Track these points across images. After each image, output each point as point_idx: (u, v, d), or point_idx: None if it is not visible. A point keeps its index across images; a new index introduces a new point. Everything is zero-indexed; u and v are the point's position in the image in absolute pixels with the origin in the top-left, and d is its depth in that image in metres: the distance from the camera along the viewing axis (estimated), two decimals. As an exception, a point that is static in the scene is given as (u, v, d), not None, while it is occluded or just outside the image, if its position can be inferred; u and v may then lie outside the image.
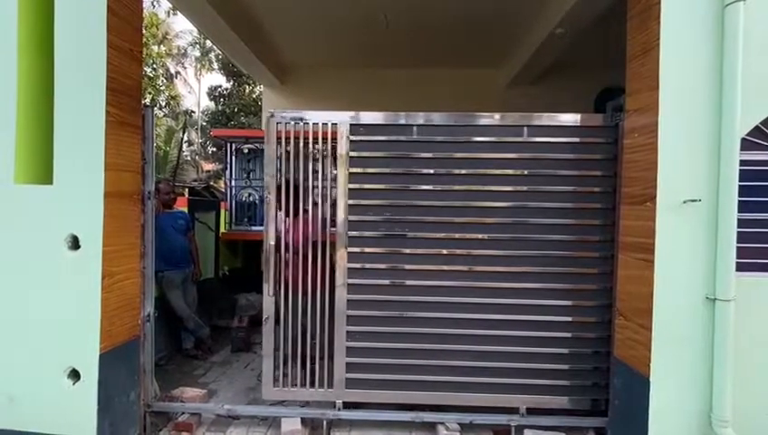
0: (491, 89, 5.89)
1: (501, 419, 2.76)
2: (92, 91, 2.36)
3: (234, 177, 5.49)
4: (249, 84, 21.14)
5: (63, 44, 2.36)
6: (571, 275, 2.76)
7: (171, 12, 17.82)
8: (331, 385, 2.79)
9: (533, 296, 2.77)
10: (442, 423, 2.75)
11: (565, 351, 2.77)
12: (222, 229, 5.37)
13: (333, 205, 2.81)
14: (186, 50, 24.63)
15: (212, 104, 22.35)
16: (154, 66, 16.72)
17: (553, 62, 4.93)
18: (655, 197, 2.26)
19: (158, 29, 17.48)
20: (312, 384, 2.79)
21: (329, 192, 2.85)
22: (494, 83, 6.00)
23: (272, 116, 2.83)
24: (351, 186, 2.80)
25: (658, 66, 2.24)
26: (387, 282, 2.80)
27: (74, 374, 2.37)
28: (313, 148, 2.83)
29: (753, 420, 2.25)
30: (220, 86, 21.61)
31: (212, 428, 2.85)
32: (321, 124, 2.81)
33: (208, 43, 24.66)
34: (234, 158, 5.49)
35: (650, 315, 2.26)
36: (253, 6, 4.61)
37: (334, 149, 2.80)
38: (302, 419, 2.76)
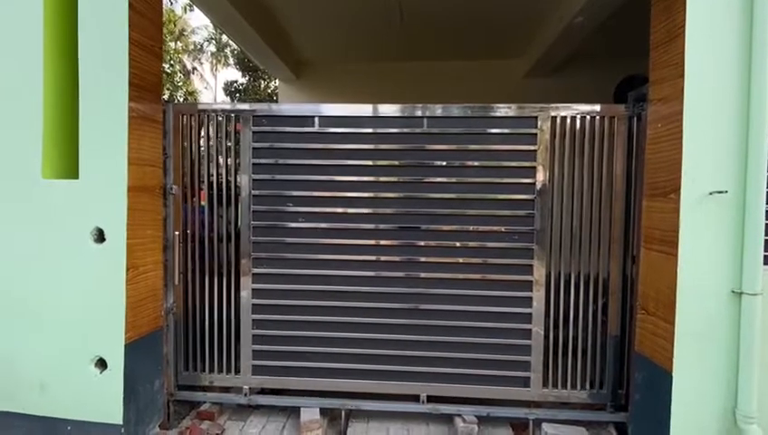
0: (508, 80, 5.81)
1: (519, 412, 2.76)
2: (115, 87, 2.40)
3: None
4: (264, 79, 21.27)
5: (87, 42, 2.43)
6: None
7: (188, 8, 18.02)
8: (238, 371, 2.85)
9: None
10: (459, 415, 2.75)
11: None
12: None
13: (237, 197, 2.85)
14: (202, 46, 24.91)
15: (228, 99, 22.56)
16: (171, 63, 16.96)
17: (572, 53, 4.83)
18: (679, 188, 2.21)
19: (175, 25, 17.71)
20: (221, 370, 2.87)
21: (233, 183, 2.86)
22: (512, 74, 5.91)
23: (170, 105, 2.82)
24: (255, 176, 2.83)
25: (684, 54, 2.18)
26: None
27: (101, 363, 2.45)
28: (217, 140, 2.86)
29: (781, 416, 2.20)
30: (236, 81, 21.78)
31: (233, 416, 2.91)
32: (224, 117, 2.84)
33: (224, 38, 24.89)
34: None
35: (673, 309, 2.22)
36: (269, 0, 4.63)
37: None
38: (320, 409, 2.80)
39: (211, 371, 2.88)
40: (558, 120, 2.70)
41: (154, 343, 2.70)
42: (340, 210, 2.82)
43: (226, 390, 2.98)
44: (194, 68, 23.81)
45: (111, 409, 2.43)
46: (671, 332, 2.23)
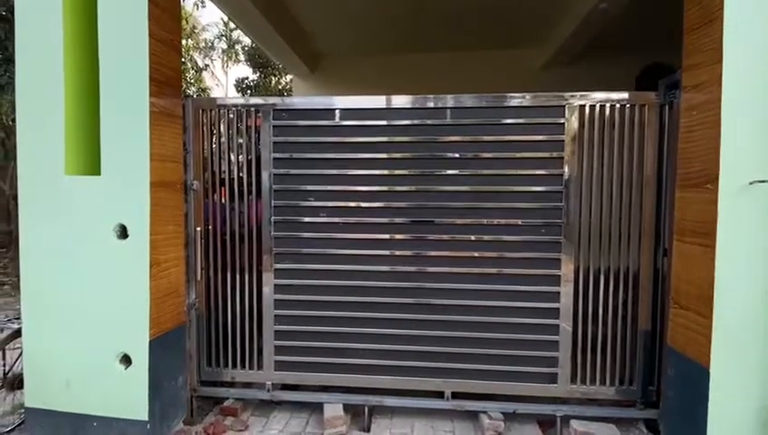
0: (525, 71, 5.69)
1: (546, 408, 2.70)
2: (136, 82, 2.38)
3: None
4: (275, 75, 21.30)
5: (106, 37, 2.42)
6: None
7: (199, 4, 18.06)
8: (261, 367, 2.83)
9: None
10: (484, 412, 2.71)
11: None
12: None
13: (259, 192, 2.81)
14: (213, 43, 25.00)
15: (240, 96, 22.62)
16: (183, 59, 17.05)
17: (591, 42, 4.70)
18: (716, 178, 2.12)
19: (186, 22, 17.79)
20: (243, 366, 2.84)
21: (254, 178, 2.82)
22: (529, 65, 5.79)
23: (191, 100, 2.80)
24: (276, 171, 2.79)
25: (722, 37, 2.09)
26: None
27: (126, 359, 2.45)
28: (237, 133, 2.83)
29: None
30: (247, 78, 21.84)
31: (256, 412, 2.91)
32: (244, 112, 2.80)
33: (234, 35, 24.94)
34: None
35: (711, 303, 2.13)
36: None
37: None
38: (343, 405, 2.78)
39: (234, 366, 2.87)
40: (587, 109, 2.62)
41: (177, 338, 2.70)
42: (365, 205, 2.78)
43: (249, 385, 2.97)
44: (206, 65, 23.91)
45: (136, 405, 2.43)
46: (708, 326, 2.15)
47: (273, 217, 2.82)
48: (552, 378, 2.70)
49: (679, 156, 2.41)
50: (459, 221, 2.73)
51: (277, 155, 2.81)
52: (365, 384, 2.82)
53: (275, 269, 2.83)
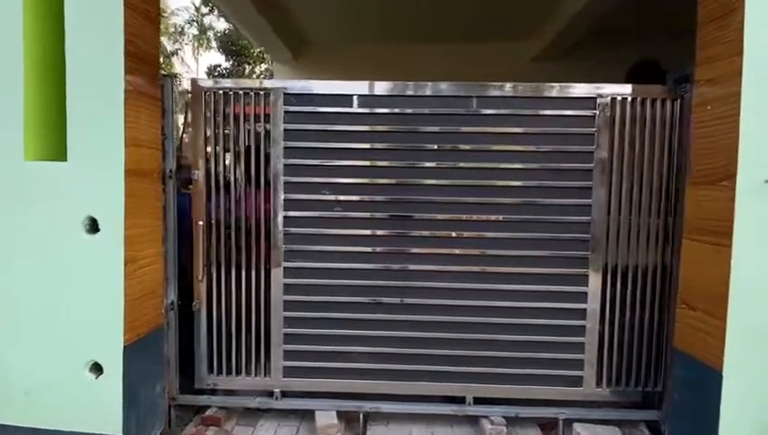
0: (518, 62, 5.59)
1: (548, 412, 2.61)
2: (109, 56, 2.11)
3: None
4: (249, 63, 20.70)
5: (74, 3, 2.13)
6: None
7: (168, -13, 17.24)
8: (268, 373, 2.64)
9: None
10: (486, 417, 2.59)
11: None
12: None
13: (268, 183, 2.60)
14: (183, 28, 24.03)
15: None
16: (152, 44, 16.26)
17: (584, 36, 4.63)
18: (733, 175, 2.04)
19: (155, 5, 16.94)
20: (249, 372, 2.64)
21: (262, 168, 2.62)
22: (522, 56, 5.69)
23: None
24: (287, 161, 2.59)
25: (743, 29, 2.00)
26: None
27: (96, 368, 2.19)
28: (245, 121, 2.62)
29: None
30: (219, 65, 21.14)
31: (241, 421, 2.70)
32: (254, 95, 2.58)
33: (206, 20, 24.03)
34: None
35: (725, 305, 2.07)
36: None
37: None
38: (336, 412, 2.60)
39: (238, 373, 2.65)
40: (618, 102, 2.53)
41: (155, 343, 2.46)
42: (383, 198, 2.62)
43: (232, 392, 2.75)
44: (176, 50, 22.97)
45: (110, 417, 2.18)
46: (721, 328, 2.09)
47: (284, 213, 2.61)
48: (578, 380, 2.61)
49: (692, 152, 2.34)
50: (484, 217, 2.61)
51: (288, 144, 2.59)
52: (386, 390, 2.65)
53: (285, 268, 2.62)
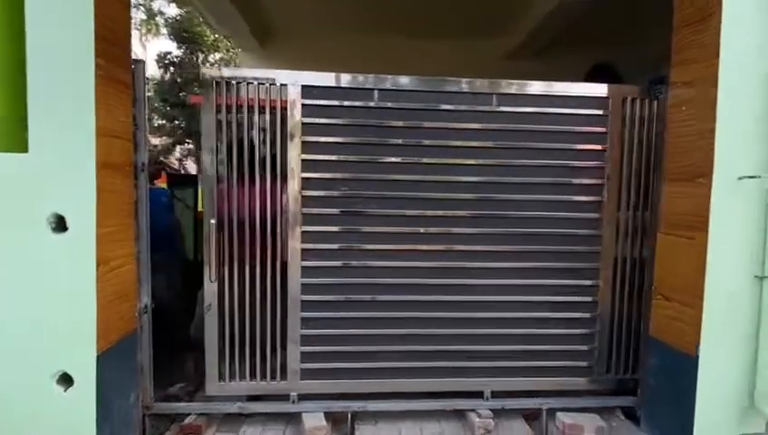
0: (489, 61, 5.66)
1: (532, 402, 2.68)
2: (78, 37, 1.90)
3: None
4: (203, 52, 19.76)
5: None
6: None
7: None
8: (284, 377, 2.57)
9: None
10: (473, 410, 2.62)
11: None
12: (200, 207, 4.90)
13: (284, 179, 2.52)
14: (129, 11, 22.54)
15: (159, 73, 20.67)
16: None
17: (558, 35, 4.75)
18: (708, 173, 2.17)
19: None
20: (264, 376, 2.56)
21: (278, 164, 2.54)
22: (493, 55, 5.77)
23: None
24: (305, 156, 2.52)
25: (720, 33, 2.11)
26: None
27: (66, 379, 1.99)
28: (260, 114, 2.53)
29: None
30: (170, 53, 20.00)
31: (222, 427, 2.56)
32: (268, 86, 2.48)
33: (155, 5, 22.66)
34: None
35: (701, 295, 2.19)
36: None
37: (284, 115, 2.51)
38: (324, 413, 2.54)
39: (252, 377, 2.55)
40: (628, 102, 2.63)
41: (129, 349, 2.29)
42: (406, 194, 2.59)
43: (210, 399, 2.62)
44: (121, 35, 21.47)
45: (82, 433, 1.99)
46: (697, 317, 2.21)
47: (302, 209, 2.52)
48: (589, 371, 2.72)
49: (667, 150, 2.46)
50: (506, 214, 2.64)
51: (306, 138, 2.49)
52: (406, 388, 2.66)
53: (303, 267, 2.53)
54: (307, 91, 2.51)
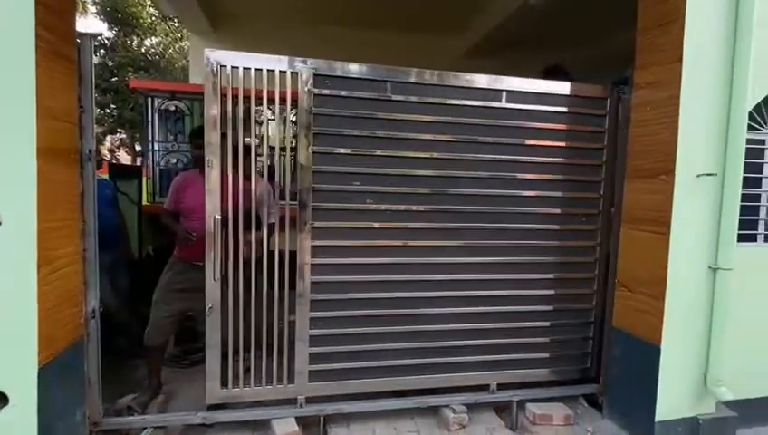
0: (450, 57, 5.67)
1: (504, 395, 2.70)
2: (15, 3, 1.64)
3: (157, 139, 4.62)
4: (138, 35, 18.43)
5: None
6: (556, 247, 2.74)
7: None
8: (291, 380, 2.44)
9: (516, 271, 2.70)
10: (447, 406, 2.60)
11: (548, 324, 2.75)
12: (144, 201, 4.52)
13: (293, 172, 2.39)
14: (51, -14, 20.51)
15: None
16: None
17: (515, 36, 4.86)
18: (670, 170, 2.28)
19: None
20: (270, 381, 2.41)
21: (287, 157, 2.43)
22: (454, 51, 5.79)
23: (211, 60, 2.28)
24: (315, 149, 2.38)
25: (682, 38, 2.23)
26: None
27: (1, 398, 1.72)
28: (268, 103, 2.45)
29: (747, 378, 2.50)
30: (101, 35, 18.45)
31: (183, 440, 2.36)
32: (278, 72, 2.30)
33: (82, -20, 20.71)
34: (156, 116, 4.60)
35: (663, 286, 2.31)
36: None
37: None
38: (294, 418, 2.41)
39: (258, 383, 2.39)
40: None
41: (75, 359, 2.03)
42: (420, 190, 2.50)
43: (164, 410, 2.41)
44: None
45: (20, 458, 1.74)
46: (659, 308, 2.33)
47: (312, 204, 2.35)
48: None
49: (630, 148, 2.56)
50: (514, 210, 2.64)
51: (317, 130, 2.32)
52: (416, 386, 2.61)
53: (312, 264, 2.37)
54: (319, 80, 2.34)
